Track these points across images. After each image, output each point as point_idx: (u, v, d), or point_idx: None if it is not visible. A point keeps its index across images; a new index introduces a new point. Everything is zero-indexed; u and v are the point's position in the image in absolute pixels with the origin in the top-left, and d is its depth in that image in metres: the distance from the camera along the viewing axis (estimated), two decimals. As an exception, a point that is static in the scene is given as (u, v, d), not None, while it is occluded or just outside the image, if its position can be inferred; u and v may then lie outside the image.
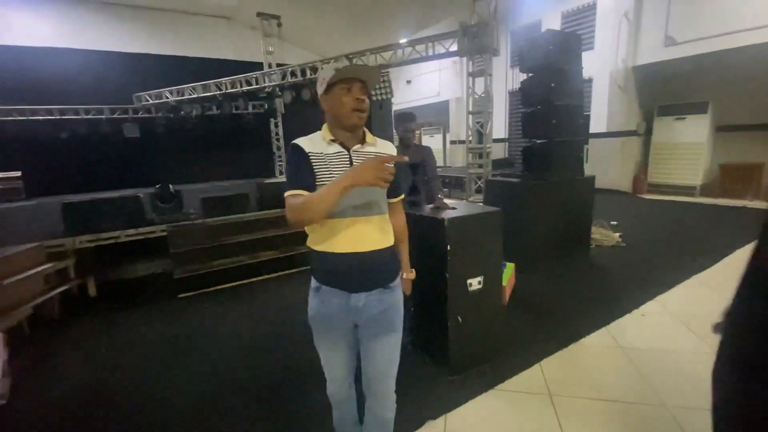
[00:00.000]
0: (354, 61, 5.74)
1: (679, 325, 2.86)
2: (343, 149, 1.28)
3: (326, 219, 1.22)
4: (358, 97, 1.25)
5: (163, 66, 9.70)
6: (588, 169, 9.12)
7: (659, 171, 8.41)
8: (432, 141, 14.89)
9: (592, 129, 8.92)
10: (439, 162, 14.23)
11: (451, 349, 2.29)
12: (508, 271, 3.57)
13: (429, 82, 13.64)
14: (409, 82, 14.57)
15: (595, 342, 2.69)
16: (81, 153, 8.93)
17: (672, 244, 4.91)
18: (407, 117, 3.01)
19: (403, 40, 5.35)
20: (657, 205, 7.45)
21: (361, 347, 1.40)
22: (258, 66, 9.29)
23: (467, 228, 2.24)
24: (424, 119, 14.96)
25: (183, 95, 8.31)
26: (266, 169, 10.70)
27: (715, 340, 2.65)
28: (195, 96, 8.05)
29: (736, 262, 4.14)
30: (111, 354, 2.87)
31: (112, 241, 4.22)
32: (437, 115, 13.94)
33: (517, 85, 4.95)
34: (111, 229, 4.22)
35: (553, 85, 3.84)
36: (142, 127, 8.93)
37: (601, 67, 8.37)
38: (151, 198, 4.69)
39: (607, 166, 8.73)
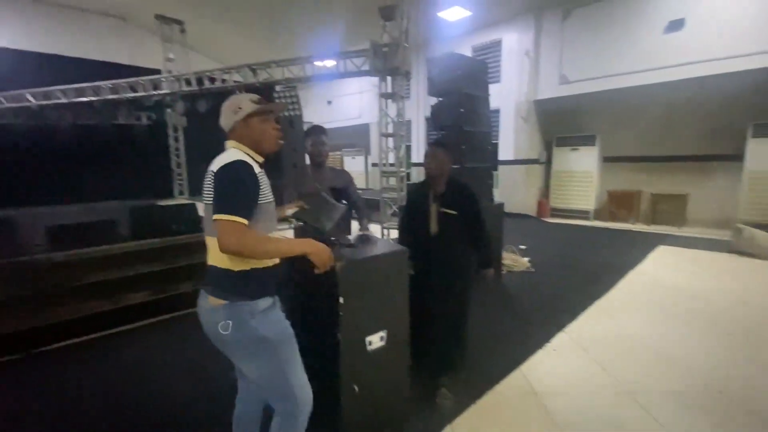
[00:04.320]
0: (257, 72, 5.22)
1: (589, 361, 2.75)
2: (262, 170, 1.41)
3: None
4: (277, 127, 1.46)
5: (40, 65, 8.03)
6: (498, 195, 9.58)
7: (559, 196, 9.11)
8: (354, 163, 14.71)
9: (501, 156, 9.43)
10: (361, 184, 14.05)
11: (345, 423, 1.82)
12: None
13: (350, 103, 13.52)
14: (330, 102, 14.31)
15: (510, 387, 2.44)
16: None
17: (574, 268, 5.10)
18: (317, 130, 2.55)
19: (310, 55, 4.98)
20: (559, 229, 7.97)
21: None
22: (156, 74, 8.20)
23: (366, 273, 1.83)
24: (346, 141, 14.76)
25: (50, 99, 6.91)
26: (162, 188, 9.39)
27: (620, 375, 2.42)
28: (65, 101, 6.73)
29: (629, 286, 4.37)
30: None
31: None
32: (358, 137, 13.83)
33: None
34: None
35: (462, 110, 3.74)
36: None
37: (507, 99, 8.94)
38: (-33, 227, 3.54)
39: (514, 191, 9.23)
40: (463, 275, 2.38)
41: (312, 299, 1.95)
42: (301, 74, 5.02)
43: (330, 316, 1.76)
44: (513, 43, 8.78)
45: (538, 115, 9.01)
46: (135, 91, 6.23)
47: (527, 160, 9.08)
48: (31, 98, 6.91)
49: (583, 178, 8.69)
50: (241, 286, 1.35)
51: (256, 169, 1.34)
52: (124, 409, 2.29)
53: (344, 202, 2.78)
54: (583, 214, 8.68)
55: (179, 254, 4.03)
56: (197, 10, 8.74)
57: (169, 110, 6.37)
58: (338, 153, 14.91)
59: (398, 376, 2.02)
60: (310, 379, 1.99)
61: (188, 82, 5.75)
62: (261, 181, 1.35)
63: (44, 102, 6.88)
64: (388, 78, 4.81)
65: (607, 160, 8.71)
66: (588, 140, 8.56)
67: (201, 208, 1.44)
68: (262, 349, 1.38)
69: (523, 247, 6.02)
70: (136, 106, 6.61)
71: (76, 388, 2.54)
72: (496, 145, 9.40)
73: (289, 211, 1.85)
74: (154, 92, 6.03)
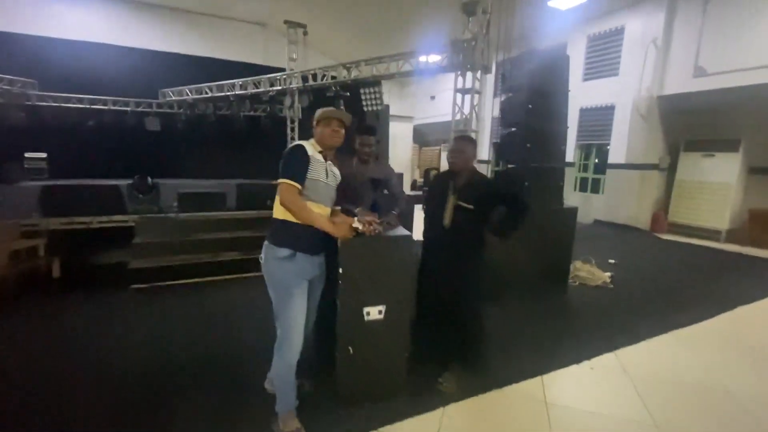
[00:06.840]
0: (350, 70, 5.73)
1: (627, 386, 2.49)
2: (323, 160, 1.91)
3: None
4: (335, 129, 1.93)
5: (198, 66, 10.10)
6: (603, 202, 8.59)
7: (682, 210, 7.72)
8: (451, 158, 14.66)
9: (611, 159, 8.40)
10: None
11: (339, 380, 2.10)
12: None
13: (451, 98, 13.46)
14: (432, 97, 14.45)
15: (520, 391, 2.40)
16: (106, 141, 9.42)
17: (670, 291, 4.41)
18: (362, 129, 2.83)
19: (395, 52, 5.26)
20: (674, 247, 6.81)
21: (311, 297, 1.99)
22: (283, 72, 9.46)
23: (368, 252, 2.06)
24: (446, 136, 14.77)
25: (201, 94, 8.62)
26: (277, 172, 10.79)
27: (660, 415, 2.25)
28: (210, 95, 8.34)
29: (733, 320, 3.64)
30: (42, 338, 2.91)
31: (83, 226, 4.36)
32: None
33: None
34: (85, 214, 4.37)
35: (530, 106, 3.59)
36: (163, 121, 9.34)
37: (625, 94, 7.89)
38: (129, 188, 4.82)
39: (624, 200, 8.15)
40: (472, 272, 2.36)
41: (331, 270, 2.26)
42: (386, 72, 5.35)
43: (334, 284, 2.04)
44: (638, 30, 7.67)
45: (661, 114, 7.73)
46: (257, 87, 7.40)
47: (643, 165, 7.90)
48: (188, 92, 8.73)
49: (717, 190, 7.21)
50: (273, 232, 1.88)
51: (311, 152, 1.84)
52: (205, 339, 2.96)
53: (386, 192, 3.03)
54: (711, 234, 7.22)
55: (267, 224, 4.82)
56: (319, 13, 9.81)
57: (280, 105, 7.43)
58: (436, 148, 15.02)
59: (395, 351, 2.20)
60: (324, 340, 2.31)
61: (297, 80, 6.61)
62: (313, 161, 1.82)
63: (197, 96, 8.62)
64: (468, 74, 4.82)
65: (755, 171, 7.05)
66: (729, 145, 7.04)
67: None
68: (274, 286, 1.87)
69: (612, 261, 5.41)
70: (258, 100, 7.85)
71: (178, 317, 3.35)
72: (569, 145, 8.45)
73: (357, 224, 1.96)
74: (270, 89, 7.10)
